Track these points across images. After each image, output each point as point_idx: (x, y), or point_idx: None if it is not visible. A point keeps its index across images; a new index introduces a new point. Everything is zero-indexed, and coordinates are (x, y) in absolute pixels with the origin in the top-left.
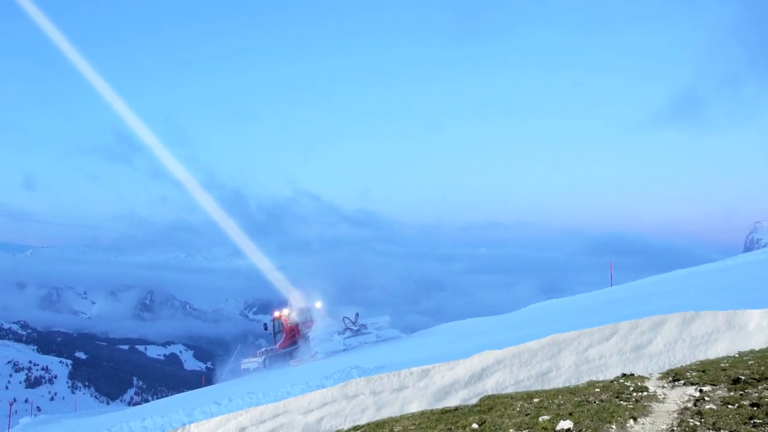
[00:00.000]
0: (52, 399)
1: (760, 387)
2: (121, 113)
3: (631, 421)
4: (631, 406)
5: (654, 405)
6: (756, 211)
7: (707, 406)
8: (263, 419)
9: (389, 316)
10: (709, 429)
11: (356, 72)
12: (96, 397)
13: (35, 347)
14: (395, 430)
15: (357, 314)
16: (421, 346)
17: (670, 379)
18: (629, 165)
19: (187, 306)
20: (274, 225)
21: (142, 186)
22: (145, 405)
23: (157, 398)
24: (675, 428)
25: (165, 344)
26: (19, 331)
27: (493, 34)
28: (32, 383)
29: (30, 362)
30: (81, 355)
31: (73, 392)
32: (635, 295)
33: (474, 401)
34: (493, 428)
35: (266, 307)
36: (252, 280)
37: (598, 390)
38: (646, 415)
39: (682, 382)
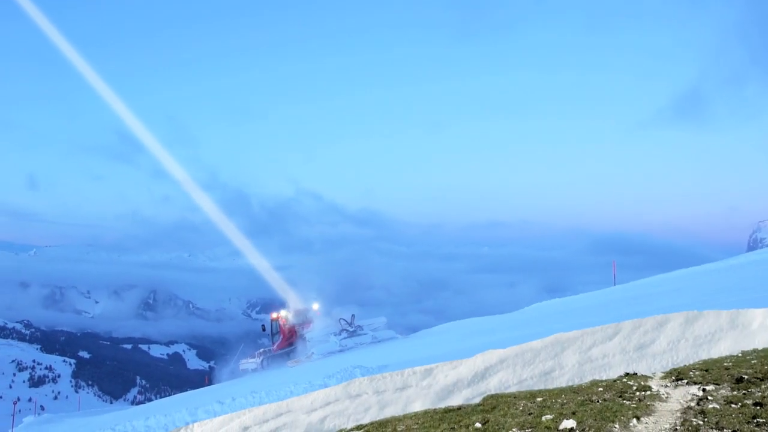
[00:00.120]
0: (55, 398)
1: (763, 386)
2: (124, 113)
3: (635, 420)
4: (635, 406)
5: (657, 404)
6: (759, 210)
7: (710, 406)
8: (266, 418)
9: (385, 317)
10: (712, 428)
11: (358, 71)
12: (99, 396)
13: (39, 346)
14: (398, 429)
15: (353, 315)
16: (424, 345)
17: (673, 378)
18: (632, 164)
19: (190, 305)
20: (276, 224)
21: (144, 185)
22: (148, 404)
23: (161, 397)
24: (678, 427)
25: (168, 343)
26: (23, 331)
27: (496, 33)
28: (36, 382)
29: (33, 361)
30: (84, 354)
31: (76, 391)
32: (638, 294)
33: (477, 400)
34: (497, 427)
35: (269, 307)
36: (255, 279)
37: (601, 389)
38: (650, 415)
39: (686, 381)
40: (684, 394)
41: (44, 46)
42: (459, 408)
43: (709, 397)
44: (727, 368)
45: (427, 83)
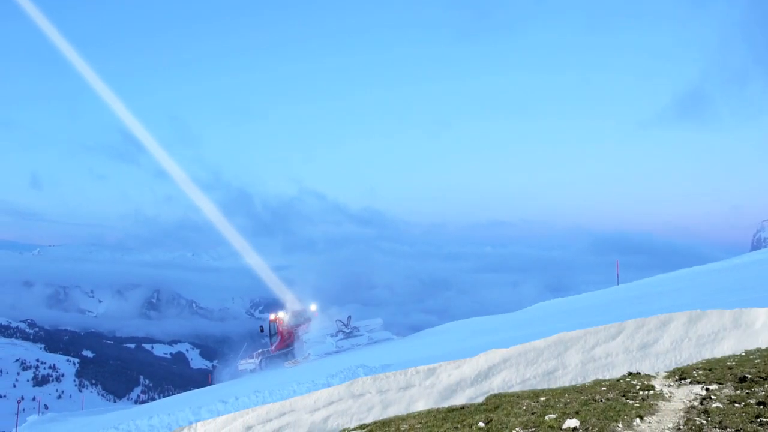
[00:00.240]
0: (59, 397)
1: (766, 386)
2: (127, 112)
3: (638, 419)
4: (638, 405)
5: (660, 403)
6: (763, 209)
7: (714, 405)
8: (269, 418)
9: (381, 318)
10: (715, 427)
11: (360, 71)
12: (103, 395)
13: (42, 346)
14: (402, 428)
15: (349, 317)
16: (427, 344)
17: (677, 377)
18: (635, 163)
19: (194, 305)
20: (279, 224)
21: (147, 185)
22: (151, 403)
23: (164, 396)
24: (681, 427)
25: (171, 343)
26: (27, 330)
27: (499, 33)
28: (40, 381)
29: (37, 361)
30: (88, 353)
31: (80, 390)
32: (641, 293)
33: (480, 400)
34: (500, 427)
35: (272, 306)
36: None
37: (604, 388)
38: (653, 414)
39: (689, 380)
40: (687, 394)
41: (47, 46)
42: (462, 407)
43: (713, 397)
44: (730, 367)
45: (429, 83)
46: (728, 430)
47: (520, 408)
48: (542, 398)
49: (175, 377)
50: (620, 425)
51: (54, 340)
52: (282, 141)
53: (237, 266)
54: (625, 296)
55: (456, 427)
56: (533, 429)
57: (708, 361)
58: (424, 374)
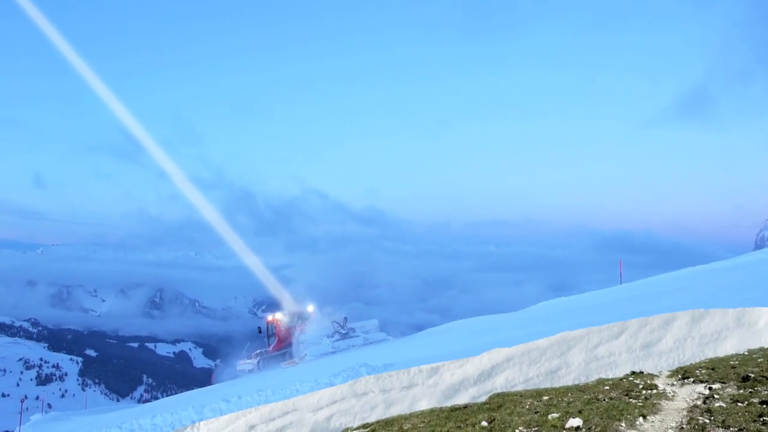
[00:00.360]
0: (62, 396)
1: None
2: (130, 112)
3: (641, 418)
4: (641, 404)
5: (663, 403)
6: (766, 208)
7: (717, 404)
8: (272, 417)
9: (377, 319)
10: (718, 427)
11: (364, 71)
12: (106, 394)
13: (46, 345)
14: (405, 427)
15: (345, 318)
16: (430, 344)
17: (680, 376)
18: (638, 163)
19: (197, 304)
20: (282, 223)
21: (150, 184)
22: (154, 402)
23: (167, 395)
24: (684, 426)
25: (174, 342)
26: (30, 329)
27: (501, 32)
28: (43, 380)
29: (41, 360)
30: (91, 352)
31: (83, 389)
32: (644, 293)
33: (483, 399)
34: (503, 426)
35: (275, 306)
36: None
37: (607, 388)
38: (656, 413)
39: (692, 379)
40: (690, 393)
41: (51, 45)
42: (465, 406)
43: (716, 396)
44: (733, 367)
45: (432, 82)
46: (731, 429)
47: (523, 407)
48: (545, 397)
49: (178, 376)
50: (623, 424)
51: (57, 339)
52: (285, 140)
53: (240, 265)
54: (628, 295)
55: (459, 426)
56: (536, 428)
57: (711, 360)
58: (427, 373)
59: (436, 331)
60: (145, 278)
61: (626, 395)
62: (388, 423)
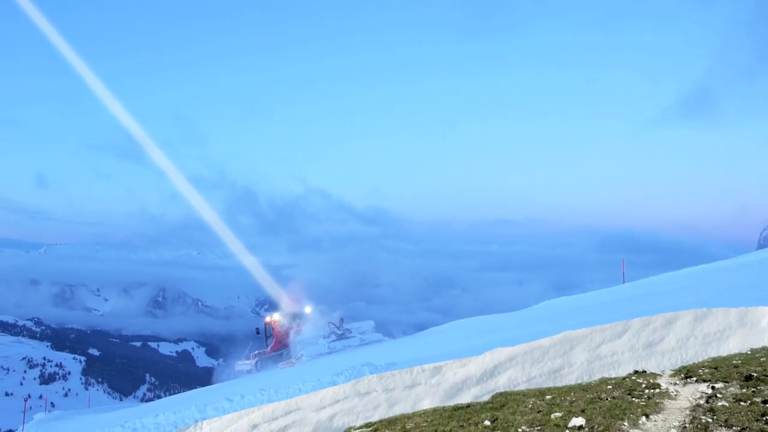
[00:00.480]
0: (65, 395)
1: None
2: (132, 111)
3: (644, 418)
4: (644, 403)
5: (666, 402)
6: None
7: (719, 403)
8: (275, 416)
9: (373, 320)
10: (721, 426)
11: (366, 70)
12: (109, 393)
13: (49, 344)
14: (407, 426)
15: (341, 319)
16: (433, 343)
17: (683, 376)
18: (641, 162)
19: (199, 303)
20: (284, 222)
21: (153, 183)
22: (157, 401)
23: (170, 395)
24: (687, 425)
25: (177, 341)
26: (34, 328)
27: (505, 32)
28: (46, 379)
29: (44, 359)
30: (94, 351)
31: (86, 388)
32: (647, 292)
33: (486, 398)
34: (506, 425)
35: (277, 305)
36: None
37: (610, 387)
38: (659, 412)
39: (695, 379)
40: (693, 392)
41: (54, 45)
42: (468, 406)
43: (718, 395)
44: (736, 366)
45: (435, 82)
46: (734, 428)
47: (525, 406)
48: (548, 396)
49: (180, 375)
50: (626, 423)
51: (60, 338)
52: (287, 140)
53: (242, 264)
54: (631, 294)
55: (462, 426)
56: (539, 427)
57: (714, 359)
58: (430, 373)
59: (439, 331)
60: (147, 277)
61: (629, 394)
62: (390, 422)
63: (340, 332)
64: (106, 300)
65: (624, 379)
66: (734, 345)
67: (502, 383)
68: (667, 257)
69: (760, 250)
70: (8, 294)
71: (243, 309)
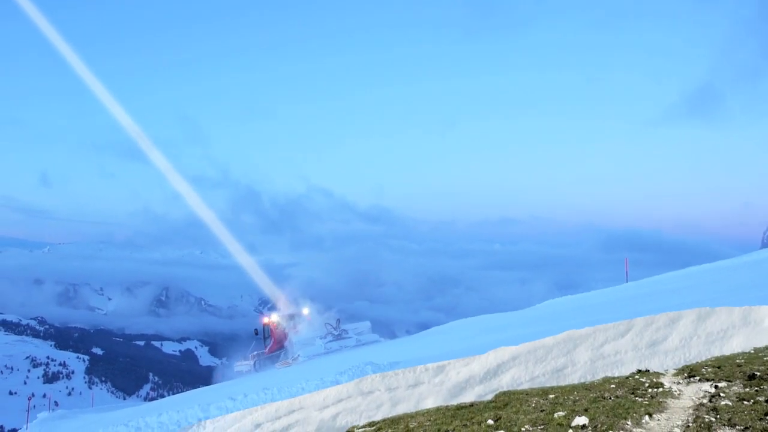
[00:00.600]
0: (69, 394)
1: None
2: (136, 111)
3: (647, 417)
4: (647, 402)
5: (669, 401)
6: None
7: (723, 403)
8: (278, 415)
9: (369, 321)
10: (724, 425)
11: (368, 70)
12: (112, 392)
13: (53, 343)
14: (411, 425)
15: (338, 320)
16: (436, 342)
17: (686, 375)
18: (645, 161)
19: (202, 302)
20: (287, 221)
21: (156, 183)
22: (161, 400)
23: (173, 394)
24: (690, 424)
25: (180, 340)
26: (37, 327)
27: (507, 31)
28: (50, 378)
29: (48, 358)
30: (98, 350)
31: (90, 387)
32: (651, 291)
33: (489, 397)
34: (509, 424)
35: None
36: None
37: (613, 386)
38: (662, 411)
39: (698, 378)
40: (696, 391)
41: (56, 45)
42: (471, 405)
43: (722, 394)
44: (739, 365)
45: (437, 81)
46: (737, 427)
47: (529, 405)
48: (551, 396)
49: (184, 374)
50: (629, 423)
51: (64, 337)
52: (290, 139)
53: (245, 264)
54: (634, 294)
55: (465, 425)
56: (542, 426)
57: (717, 358)
58: (433, 372)
59: (442, 330)
60: (151, 276)
61: (632, 393)
62: (394, 421)
63: (336, 333)
64: (109, 299)
65: (627, 378)
66: (737, 344)
67: (506, 382)
68: (670, 256)
69: (763, 249)
70: (12, 293)
71: (246, 308)
